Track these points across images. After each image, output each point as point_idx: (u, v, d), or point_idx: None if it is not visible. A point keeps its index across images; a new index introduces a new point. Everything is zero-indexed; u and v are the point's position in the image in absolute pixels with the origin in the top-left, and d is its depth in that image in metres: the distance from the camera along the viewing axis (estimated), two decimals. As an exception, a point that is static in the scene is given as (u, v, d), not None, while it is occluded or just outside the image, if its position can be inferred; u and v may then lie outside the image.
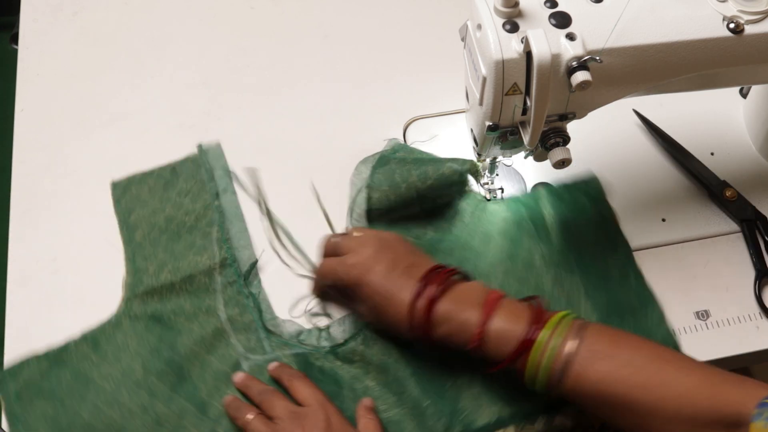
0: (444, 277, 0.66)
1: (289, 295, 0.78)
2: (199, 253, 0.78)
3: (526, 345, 0.62)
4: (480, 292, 0.66)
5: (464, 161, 0.81)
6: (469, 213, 0.81)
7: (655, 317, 0.76)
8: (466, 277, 0.69)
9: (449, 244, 0.79)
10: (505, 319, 0.63)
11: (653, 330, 0.75)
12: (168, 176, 0.84)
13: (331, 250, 0.73)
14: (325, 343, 0.74)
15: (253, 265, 0.79)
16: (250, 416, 0.67)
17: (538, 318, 0.63)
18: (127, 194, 0.83)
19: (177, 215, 0.81)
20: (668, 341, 0.74)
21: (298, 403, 0.68)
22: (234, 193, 0.84)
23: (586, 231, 0.80)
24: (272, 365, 0.72)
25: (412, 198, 0.79)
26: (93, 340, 0.74)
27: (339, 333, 0.75)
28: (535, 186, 0.84)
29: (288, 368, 0.71)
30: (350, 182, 0.83)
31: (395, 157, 0.83)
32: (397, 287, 0.66)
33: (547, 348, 0.62)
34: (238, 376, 0.71)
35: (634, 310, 0.76)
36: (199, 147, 0.86)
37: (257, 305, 0.76)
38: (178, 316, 0.75)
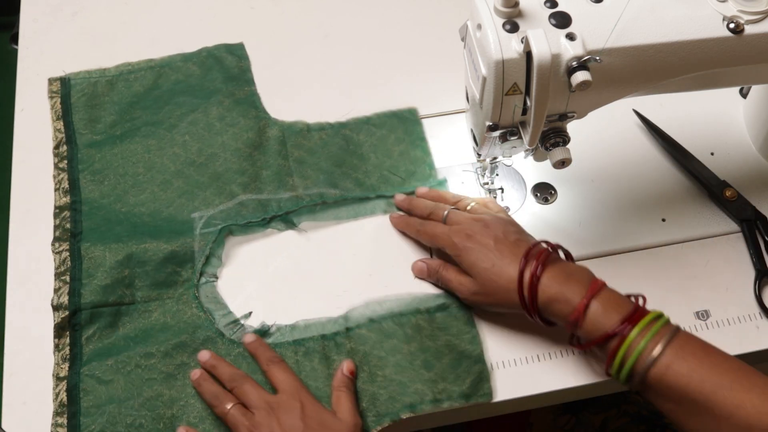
0: (547, 252, 0.70)
1: (284, 288, 0.78)
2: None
3: (611, 338, 0.64)
4: (587, 274, 0.69)
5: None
6: None
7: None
8: (569, 256, 0.73)
9: None
10: (604, 305, 0.65)
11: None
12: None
13: (438, 216, 0.77)
14: (330, 328, 0.75)
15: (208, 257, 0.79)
16: (229, 406, 0.68)
17: (632, 315, 0.65)
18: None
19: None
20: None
21: (272, 389, 0.69)
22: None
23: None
24: (248, 337, 0.73)
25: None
26: None
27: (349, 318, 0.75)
28: (536, 185, 0.84)
29: (266, 349, 0.72)
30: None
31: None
32: (505, 254, 0.70)
33: (634, 348, 0.63)
34: (204, 355, 0.72)
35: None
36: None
37: (207, 308, 0.76)
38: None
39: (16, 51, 0.97)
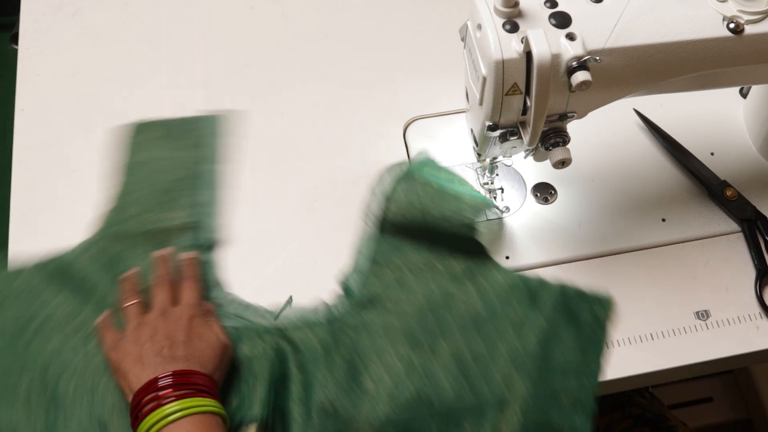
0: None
1: (285, 285, 0.78)
2: (172, 210, 0.81)
3: None
4: None
5: (482, 203, 0.79)
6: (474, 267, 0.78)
7: (586, 412, 0.71)
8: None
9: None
10: None
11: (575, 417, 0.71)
12: (168, 130, 0.87)
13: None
14: (261, 321, 0.76)
15: (210, 241, 0.81)
16: (128, 303, 0.73)
17: None
18: (143, 135, 0.87)
19: (169, 169, 0.84)
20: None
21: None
22: (219, 164, 0.86)
23: (567, 346, 0.74)
24: (158, 253, 0.77)
25: (424, 224, 0.78)
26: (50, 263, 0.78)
27: (283, 319, 0.76)
28: (537, 186, 0.84)
29: (193, 268, 0.76)
30: (372, 190, 0.81)
31: (422, 175, 0.79)
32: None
33: None
34: (158, 253, 0.77)
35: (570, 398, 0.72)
36: (210, 115, 0.89)
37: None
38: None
39: (16, 51, 0.97)
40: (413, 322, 0.75)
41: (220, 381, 0.69)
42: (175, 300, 0.73)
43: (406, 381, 0.72)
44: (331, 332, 0.75)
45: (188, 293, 0.74)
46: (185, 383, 0.65)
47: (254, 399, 0.70)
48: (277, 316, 0.76)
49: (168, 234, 0.79)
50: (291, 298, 0.78)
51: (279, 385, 0.71)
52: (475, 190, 0.80)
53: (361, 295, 0.77)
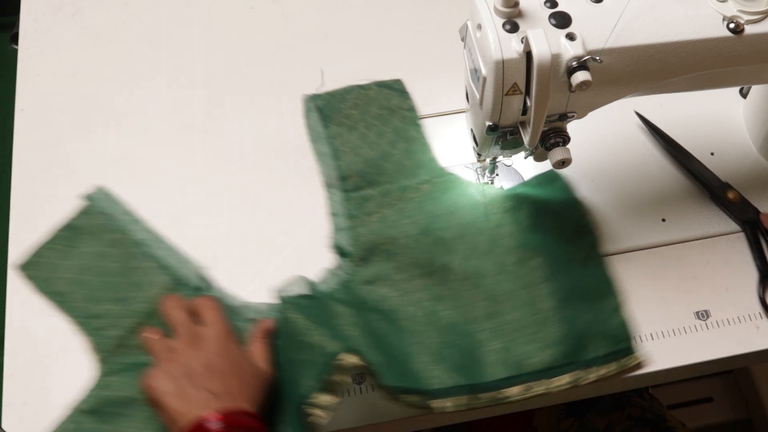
0: None
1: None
2: (148, 289, 0.77)
3: None
4: None
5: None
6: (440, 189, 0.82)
7: (609, 306, 0.76)
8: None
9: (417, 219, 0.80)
10: None
11: (608, 318, 0.76)
12: (70, 234, 0.80)
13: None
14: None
15: (204, 280, 0.78)
16: (155, 336, 0.69)
17: None
18: (40, 267, 0.79)
19: (103, 265, 0.78)
20: (620, 331, 0.75)
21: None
22: (142, 222, 0.82)
23: (552, 215, 0.81)
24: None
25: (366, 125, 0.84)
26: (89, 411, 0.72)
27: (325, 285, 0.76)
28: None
29: (207, 299, 0.72)
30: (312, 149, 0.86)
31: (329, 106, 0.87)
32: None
33: None
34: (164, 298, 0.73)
35: (591, 297, 0.77)
36: (87, 197, 0.83)
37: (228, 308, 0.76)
38: None
39: (16, 51, 0.97)
40: (416, 252, 0.78)
41: (260, 410, 0.65)
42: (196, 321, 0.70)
43: (438, 307, 0.75)
44: (349, 293, 0.76)
45: (209, 313, 0.70)
46: (235, 424, 0.61)
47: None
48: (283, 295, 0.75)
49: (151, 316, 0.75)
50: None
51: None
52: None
53: (356, 250, 0.78)
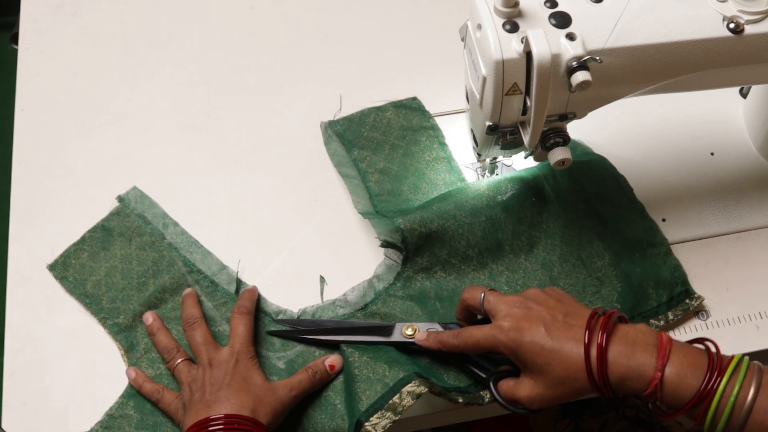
0: (606, 320, 0.63)
1: (284, 285, 0.78)
2: (178, 293, 0.77)
3: (706, 394, 0.58)
4: (650, 335, 0.62)
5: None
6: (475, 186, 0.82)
7: (662, 250, 0.78)
8: (623, 318, 0.65)
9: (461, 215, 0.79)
10: (682, 364, 0.60)
11: (661, 263, 0.77)
12: (101, 236, 0.81)
13: (470, 314, 0.71)
14: (341, 311, 0.76)
15: (239, 282, 0.78)
16: (178, 361, 0.72)
17: (716, 365, 0.59)
18: (70, 269, 0.79)
19: (132, 268, 0.79)
20: (676, 274, 0.77)
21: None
22: (176, 224, 0.82)
23: (589, 177, 0.82)
24: (186, 292, 0.76)
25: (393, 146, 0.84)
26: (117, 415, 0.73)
27: (355, 298, 0.77)
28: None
29: (248, 300, 0.75)
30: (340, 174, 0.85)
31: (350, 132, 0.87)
32: (561, 341, 0.63)
33: (726, 401, 0.58)
34: (186, 291, 0.76)
35: (643, 245, 0.78)
36: (119, 198, 0.83)
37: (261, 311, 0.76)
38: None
39: (16, 51, 0.97)
40: (468, 234, 0.78)
41: (271, 423, 0.67)
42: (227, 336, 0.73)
43: (496, 282, 0.77)
44: (406, 285, 0.77)
45: (238, 329, 0.72)
46: (237, 427, 0.64)
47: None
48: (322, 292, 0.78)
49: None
50: (322, 277, 0.79)
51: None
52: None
53: (408, 242, 0.77)
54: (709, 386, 0.58)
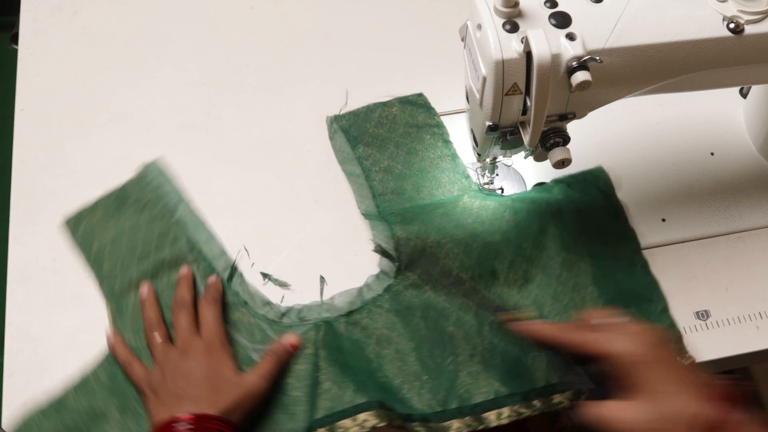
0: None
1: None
2: (175, 269, 0.77)
3: None
4: None
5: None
6: (479, 204, 0.81)
7: (658, 307, 0.77)
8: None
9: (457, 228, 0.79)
10: None
11: (656, 321, 0.76)
12: (116, 201, 0.82)
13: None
14: (326, 315, 0.76)
15: (234, 268, 0.79)
16: (159, 340, 0.72)
17: None
18: (82, 225, 0.81)
19: (138, 237, 0.79)
20: (670, 333, 0.75)
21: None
22: (188, 203, 0.83)
23: (596, 220, 0.81)
24: (213, 279, 0.76)
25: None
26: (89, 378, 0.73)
27: (342, 304, 0.76)
28: (537, 185, 0.84)
29: (215, 290, 0.75)
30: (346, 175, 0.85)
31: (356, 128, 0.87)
32: (689, 384, 0.61)
33: None
34: (183, 272, 0.76)
35: (639, 300, 0.77)
36: (143, 166, 0.84)
37: (243, 301, 0.76)
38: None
39: (16, 51, 0.97)
40: (463, 256, 0.77)
41: (236, 418, 0.67)
42: (197, 323, 0.73)
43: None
44: (395, 299, 0.76)
45: (208, 317, 0.73)
46: (204, 427, 0.64)
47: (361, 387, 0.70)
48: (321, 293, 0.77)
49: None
50: (322, 277, 0.79)
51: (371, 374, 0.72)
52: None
53: (402, 254, 0.76)
54: None
